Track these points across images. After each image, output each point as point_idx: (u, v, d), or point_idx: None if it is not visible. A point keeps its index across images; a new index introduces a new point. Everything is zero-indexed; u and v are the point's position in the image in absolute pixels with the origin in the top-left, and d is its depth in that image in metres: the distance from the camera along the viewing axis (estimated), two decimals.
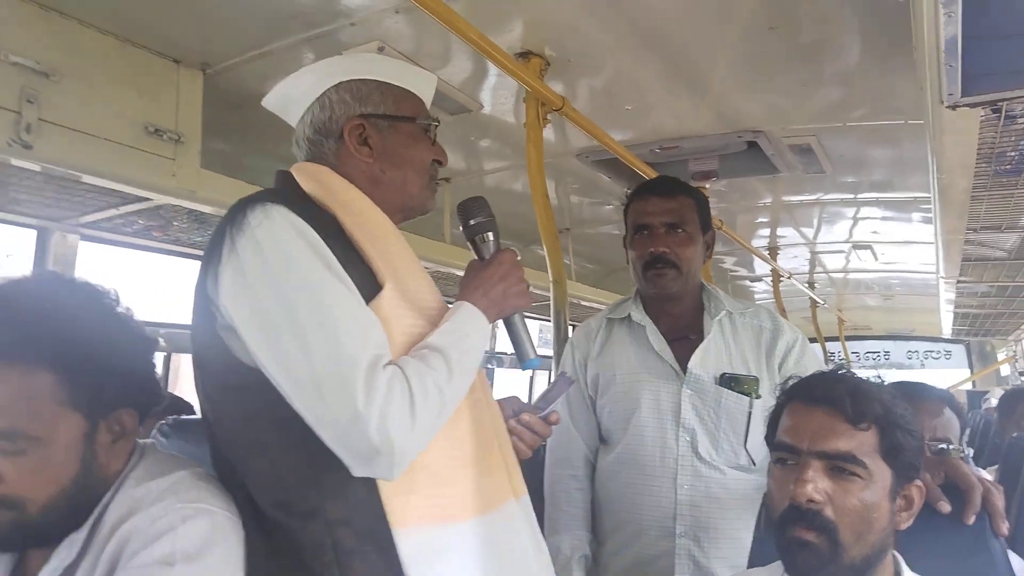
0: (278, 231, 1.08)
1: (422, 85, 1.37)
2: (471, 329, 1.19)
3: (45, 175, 1.90)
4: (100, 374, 1.07)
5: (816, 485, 1.17)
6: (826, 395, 1.24)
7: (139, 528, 1.00)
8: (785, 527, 1.20)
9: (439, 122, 1.37)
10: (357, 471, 1.02)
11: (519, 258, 1.32)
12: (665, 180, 2.03)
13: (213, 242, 1.12)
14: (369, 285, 1.12)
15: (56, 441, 1.02)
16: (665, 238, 1.90)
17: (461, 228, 1.35)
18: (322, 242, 1.09)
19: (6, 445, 0.99)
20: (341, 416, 0.99)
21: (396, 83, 1.32)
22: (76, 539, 1.04)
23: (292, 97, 1.31)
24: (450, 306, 1.24)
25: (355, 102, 1.28)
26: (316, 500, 1.05)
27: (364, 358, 1.01)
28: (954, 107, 1.32)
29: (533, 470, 2.08)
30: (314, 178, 1.23)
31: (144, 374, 1.18)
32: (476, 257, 1.33)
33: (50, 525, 1.03)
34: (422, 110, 1.36)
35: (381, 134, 1.28)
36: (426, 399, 1.04)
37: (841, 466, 1.18)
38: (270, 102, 1.35)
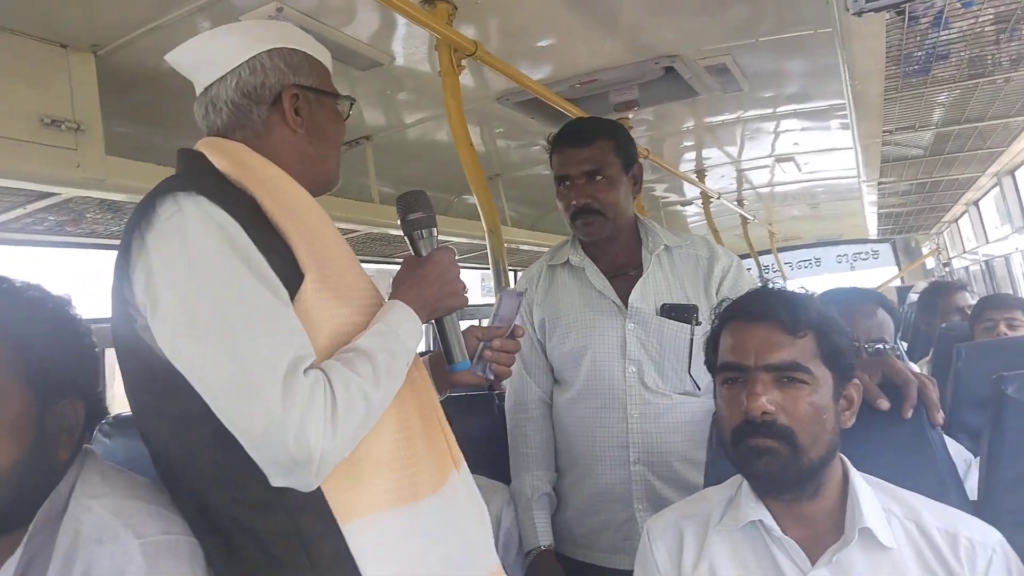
0: (191, 224, 1.02)
1: (328, 63, 1.34)
2: (403, 331, 1.16)
3: None
4: (56, 356, 1.09)
5: (768, 397, 1.21)
6: (763, 310, 1.27)
7: (95, 571, 0.99)
8: (741, 439, 1.24)
9: (355, 100, 1.35)
10: (275, 480, 0.98)
11: (456, 256, 1.30)
12: (579, 126, 2.00)
13: (124, 240, 1.07)
14: (293, 273, 1.07)
15: (9, 412, 1.03)
16: (586, 187, 1.90)
17: (399, 221, 1.32)
18: (243, 232, 1.03)
19: None
20: (257, 424, 0.95)
21: (318, 58, 1.29)
22: (18, 556, 1.02)
23: (208, 56, 1.22)
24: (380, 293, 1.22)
25: (289, 71, 1.24)
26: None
27: (283, 362, 0.97)
28: (859, 13, 1.33)
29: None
30: (227, 155, 1.16)
31: (91, 370, 1.17)
32: (412, 253, 1.31)
33: (2, 504, 1.02)
34: (335, 88, 1.34)
35: (310, 107, 1.26)
36: (350, 407, 1.01)
37: (788, 375, 1.23)
38: (177, 59, 1.25)
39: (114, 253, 1.11)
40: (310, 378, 0.99)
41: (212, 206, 1.03)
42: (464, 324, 1.37)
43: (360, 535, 1.05)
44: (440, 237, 1.34)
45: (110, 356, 1.20)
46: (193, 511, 1.08)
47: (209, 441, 1.01)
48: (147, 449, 1.14)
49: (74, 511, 1.05)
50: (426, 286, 1.24)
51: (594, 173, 1.89)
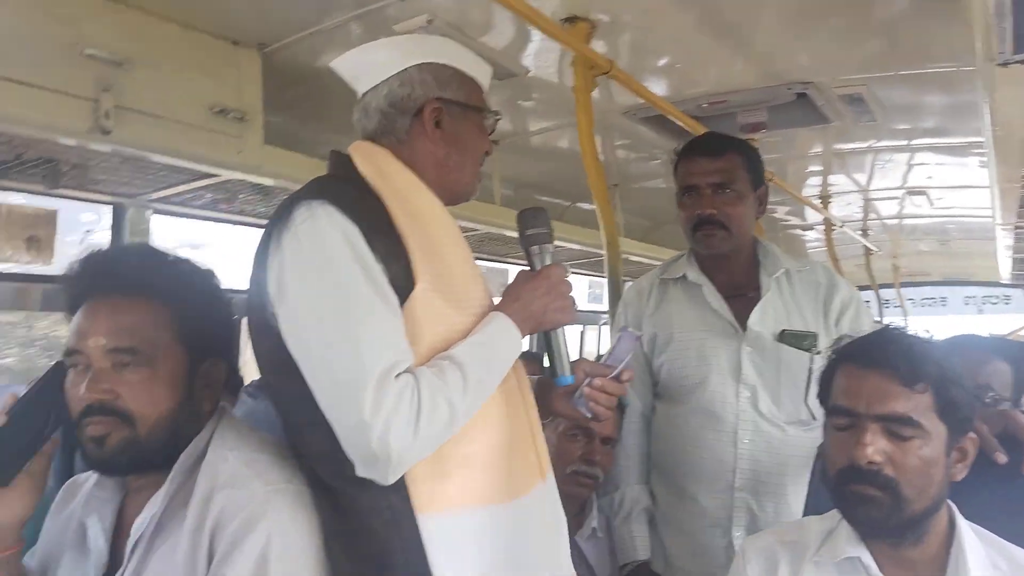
0: (320, 232, 1.11)
1: (484, 77, 1.40)
2: (500, 342, 1.21)
3: (119, 156, 2.03)
4: (205, 321, 1.24)
5: (876, 447, 1.19)
6: (880, 357, 1.24)
7: (229, 511, 1.11)
8: (845, 483, 1.23)
9: (500, 116, 1.41)
10: (358, 471, 1.08)
11: (569, 275, 1.33)
12: (712, 138, 1.98)
13: (264, 236, 1.19)
14: (408, 279, 1.15)
15: (166, 366, 1.18)
16: (712, 199, 1.86)
17: (518, 235, 1.37)
18: (363, 242, 1.12)
19: (127, 359, 1.14)
20: (348, 421, 1.06)
21: (470, 72, 1.35)
22: (163, 492, 1.16)
23: (367, 66, 1.33)
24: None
25: (436, 85, 1.31)
26: None
27: (377, 368, 1.06)
28: (1005, 64, 1.32)
29: None
30: (371, 161, 1.26)
31: (232, 336, 1.33)
32: (528, 267, 1.35)
33: (153, 450, 1.16)
34: (485, 103, 1.39)
35: (454, 119, 1.32)
36: (433, 413, 1.08)
37: (898, 428, 1.20)
38: (341, 66, 1.36)
39: (259, 231, 1.25)
40: (400, 383, 1.07)
41: (340, 215, 1.12)
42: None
43: (435, 526, 1.12)
44: (553, 243, 1.36)
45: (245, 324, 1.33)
46: (308, 470, 1.19)
47: (317, 422, 1.10)
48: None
49: (212, 459, 1.18)
50: (533, 299, 1.27)
51: (722, 185, 1.86)
